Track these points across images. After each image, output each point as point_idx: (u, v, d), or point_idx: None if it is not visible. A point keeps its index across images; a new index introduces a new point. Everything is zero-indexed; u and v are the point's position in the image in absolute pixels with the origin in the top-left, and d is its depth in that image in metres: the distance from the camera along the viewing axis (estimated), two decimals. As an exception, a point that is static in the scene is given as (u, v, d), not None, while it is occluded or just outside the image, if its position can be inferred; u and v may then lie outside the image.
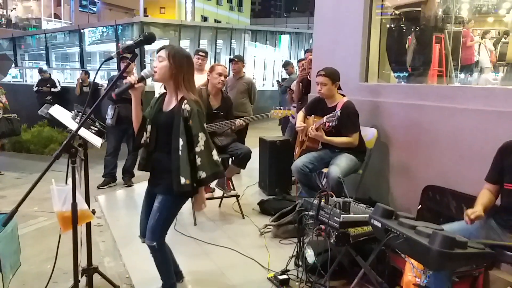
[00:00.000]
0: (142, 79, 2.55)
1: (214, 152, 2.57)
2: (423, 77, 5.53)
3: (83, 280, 2.80)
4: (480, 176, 2.72)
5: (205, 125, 2.55)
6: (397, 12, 5.57)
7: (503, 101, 3.14)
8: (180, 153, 2.48)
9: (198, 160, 2.48)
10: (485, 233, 2.54)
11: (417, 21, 5.85)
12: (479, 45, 7.24)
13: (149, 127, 2.66)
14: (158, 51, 2.57)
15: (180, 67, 2.52)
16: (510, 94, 3.15)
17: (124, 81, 2.57)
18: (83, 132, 2.63)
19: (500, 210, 2.60)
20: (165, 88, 2.70)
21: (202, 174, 2.49)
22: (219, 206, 4.98)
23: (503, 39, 7.58)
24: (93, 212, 2.66)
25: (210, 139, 2.56)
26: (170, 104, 2.61)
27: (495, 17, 8.10)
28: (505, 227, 2.52)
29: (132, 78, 2.52)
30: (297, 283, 3.10)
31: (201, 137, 2.49)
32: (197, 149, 2.48)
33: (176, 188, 2.48)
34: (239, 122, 4.42)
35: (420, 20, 5.86)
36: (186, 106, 2.50)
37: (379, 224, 2.38)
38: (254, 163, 5.12)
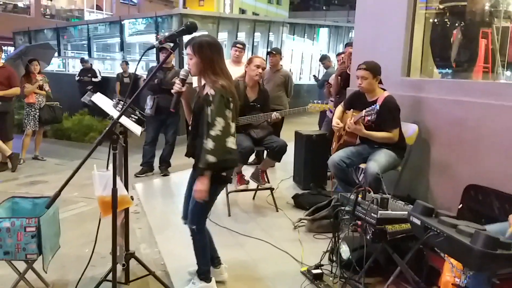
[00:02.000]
0: (183, 82, 2.72)
1: (231, 140, 2.55)
2: (468, 73, 5.36)
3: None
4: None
5: (227, 111, 2.53)
6: (441, 6, 5.40)
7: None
8: (204, 139, 2.55)
9: (210, 144, 2.47)
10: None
11: (463, 16, 5.66)
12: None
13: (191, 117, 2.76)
14: (185, 46, 2.66)
15: (205, 58, 2.59)
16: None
17: (172, 91, 2.76)
18: (124, 120, 2.67)
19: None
20: None
21: (211, 159, 2.47)
22: (253, 198, 4.98)
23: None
24: (132, 198, 2.71)
25: (231, 126, 2.56)
26: (203, 92, 2.68)
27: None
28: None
29: (177, 87, 2.72)
30: (331, 278, 3.07)
31: (219, 122, 2.49)
32: (212, 133, 2.48)
33: (201, 168, 2.52)
34: (275, 115, 4.40)
35: (466, 14, 5.67)
36: (210, 91, 2.55)
37: (418, 222, 2.33)
38: (289, 156, 5.10)
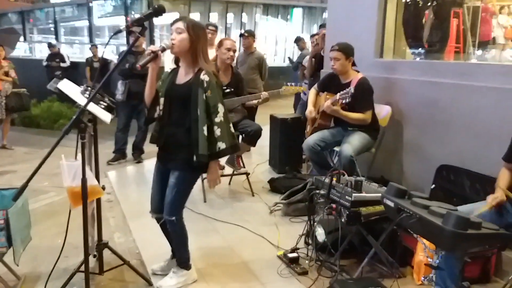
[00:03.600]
0: (163, 50, 2.53)
1: (231, 125, 2.55)
2: (440, 53, 5.40)
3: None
4: (497, 156, 2.65)
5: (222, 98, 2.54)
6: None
7: (523, 79, 3.04)
8: (199, 124, 2.48)
9: (218, 131, 2.46)
10: (499, 214, 2.48)
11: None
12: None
13: (162, 100, 2.65)
14: (173, 23, 2.54)
15: (198, 38, 2.52)
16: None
17: (146, 52, 2.55)
18: (92, 107, 2.58)
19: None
20: (176, 63, 2.68)
21: (222, 145, 2.47)
22: (229, 183, 4.96)
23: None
24: (103, 187, 2.65)
25: (227, 112, 2.56)
26: (186, 76, 2.59)
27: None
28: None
29: (154, 47, 2.50)
30: (306, 261, 3.09)
31: (220, 108, 2.48)
32: (217, 119, 2.47)
33: (196, 158, 2.49)
34: (264, 94, 4.36)
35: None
36: (204, 77, 2.49)
37: (391, 204, 2.34)
38: (264, 140, 5.08)
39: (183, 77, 2.62)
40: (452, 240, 1.98)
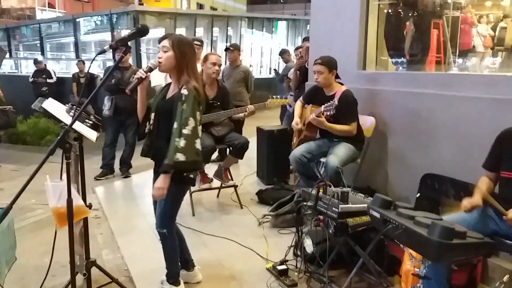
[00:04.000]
0: (150, 70, 2.61)
1: (199, 141, 2.53)
2: (422, 64, 5.49)
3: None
4: (479, 164, 2.70)
5: (198, 114, 2.53)
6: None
7: (503, 89, 3.11)
8: (172, 136, 2.51)
9: (182, 143, 2.46)
10: (482, 221, 2.53)
11: (415, 7, 5.79)
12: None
13: (152, 115, 2.71)
14: (160, 41, 2.62)
15: (184, 55, 2.58)
16: (509, 81, 3.12)
17: (135, 76, 2.64)
18: (78, 126, 2.59)
19: (498, 198, 2.58)
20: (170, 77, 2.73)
21: (181, 157, 2.44)
22: (217, 196, 4.96)
23: (500, 24, 7.53)
24: (89, 206, 2.64)
25: (199, 129, 2.55)
26: (173, 91, 2.66)
27: (493, 1, 8.04)
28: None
29: (140, 73, 2.60)
30: (295, 273, 3.10)
31: (191, 122, 2.49)
32: (184, 131, 2.47)
33: (161, 168, 2.50)
34: (250, 107, 4.38)
35: (418, 5, 5.81)
36: (184, 91, 2.53)
37: (377, 215, 2.37)
38: (252, 152, 5.10)
39: (171, 92, 2.69)
40: (438, 250, 2.01)
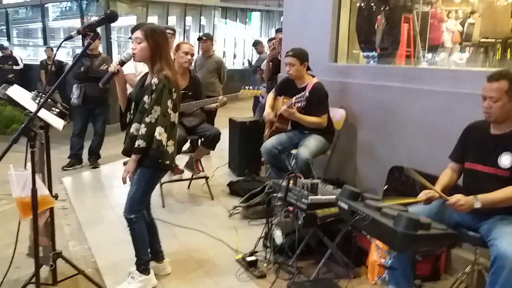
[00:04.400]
0: (122, 63, 2.69)
1: (159, 130, 2.55)
2: (392, 57, 5.57)
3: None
4: (445, 156, 2.76)
5: (169, 101, 2.57)
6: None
7: (469, 83, 3.18)
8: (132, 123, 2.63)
9: (143, 130, 2.53)
10: (446, 213, 2.59)
11: (387, 1, 5.86)
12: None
13: (132, 105, 2.74)
14: (132, 31, 2.66)
15: (158, 45, 2.60)
16: (475, 76, 3.19)
17: (110, 69, 2.69)
18: (44, 113, 2.52)
19: (461, 189, 2.65)
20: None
21: (142, 144, 2.54)
22: (188, 187, 4.93)
23: (469, 20, 7.70)
24: (56, 197, 2.59)
25: (173, 115, 2.61)
26: (148, 81, 2.69)
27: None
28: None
29: (112, 67, 2.66)
30: (265, 264, 3.12)
31: (155, 110, 2.54)
32: (147, 119, 2.54)
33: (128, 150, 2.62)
34: (222, 99, 4.35)
35: (390, -1, 5.88)
36: (154, 80, 2.58)
37: (345, 206, 2.41)
38: (224, 143, 5.09)
39: (147, 81, 2.71)
40: (403, 241, 2.06)
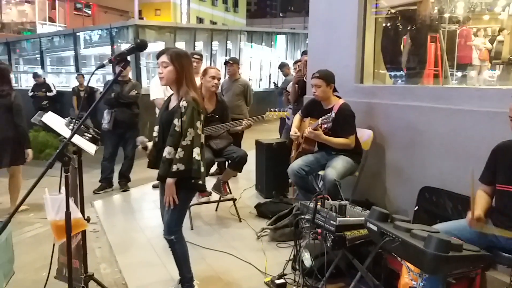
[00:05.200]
0: (145, 148, 2.93)
1: (197, 150, 2.64)
2: (419, 77, 5.53)
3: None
4: (476, 176, 2.71)
5: (198, 123, 2.66)
6: (392, 11, 5.56)
7: (497, 102, 3.13)
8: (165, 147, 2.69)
9: (181, 153, 2.60)
10: (480, 235, 2.53)
11: (413, 21, 5.85)
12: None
13: (156, 128, 2.83)
14: (158, 56, 2.74)
15: (183, 68, 2.70)
16: (503, 95, 3.14)
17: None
18: (77, 139, 2.61)
19: (494, 211, 2.60)
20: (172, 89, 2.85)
21: (181, 167, 2.60)
22: (216, 210, 4.96)
23: (498, 37, 7.58)
24: (88, 220, 2.65)
25: (202, 137, 2.71)
26: (174, 103, 2.78)
27: (490, 14, 8.10)
28: (500, 228, 2.51)
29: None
30: (294, 287, 3.09)
31: (190, 133, 2.61)
32: (183, 143, 2.61)
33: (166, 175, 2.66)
34: (246, 122, 4.41)
35: (416, 19, 5.86)
36: (183, 103, 2.65)
37: (374, 228, 2.38)
38: (251, 165, 5.11)
39: (173, 103, 2.80)
40: (434, 263, 2.02)
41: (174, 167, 2.60)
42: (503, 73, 6.96)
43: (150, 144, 2.95)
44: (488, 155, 2.66)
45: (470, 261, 2.17)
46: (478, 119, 3.25)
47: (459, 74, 6.74)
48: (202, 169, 2.71)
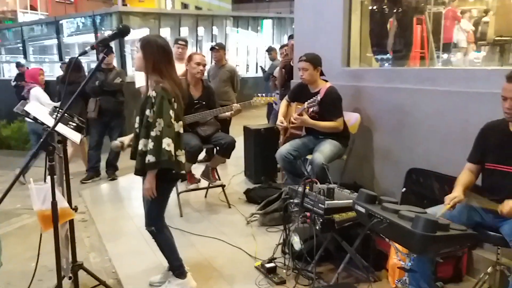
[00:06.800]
0: (122, 147, 2.95)
1: (167, 141, 2.53)
2: (405, 60, 5.54)
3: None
4: (462, 157, 2.73)
5: (170, 111, 2.56)
6: (377, -6, 5.55)
7: (484, 82, 3.15)
8: (139, 139, 2.62)
9: (151, 145, 2.52)
10: (467, 213, 2.56)
11: (399, 3, 5.84)
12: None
13: (137, 118, 2.74)
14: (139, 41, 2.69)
15: (150, 56, 2.62)
16: (490, 75, 3.16)
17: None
18: (61, 128, 2.57)
19: (482, 190, 2.62)
20: None
21: (152, 159, 2.52)
22: (205, 196, 4.96)
23: (483, 19, 7.62)
24: (75, 209, 2.63)
25: (175, 125, 2.60)
26: (147, 92, 2.70)
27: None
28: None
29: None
30: (284, 271, 3.11)
31: (159, 123, 2.53)
32: (153, 133, 2.53)
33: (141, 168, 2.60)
34: (236, 106, 4.37)
35: (402, 1, 5.86)
36: (152, 93, 2.59)
37: (362, 210, 2.40)
38: (239, 151, 5.11)
39: (146, 93, 2.73)
40: (422, 243, 2.04)
41: (146, 159, 2.52)
42: (488, 54, 7.01)
43: (127, 140, 2.90)
44: (474, 136, 2.68)
45: (457, 241, 2.20)
46: (465, 100, 3.26)
47: (445, 56, 6.78)
48: (181, 159, 2.65)
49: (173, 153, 2.55)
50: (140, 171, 2.61)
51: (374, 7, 5.44)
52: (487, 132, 2.61)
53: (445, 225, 2.08)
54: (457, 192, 2.47)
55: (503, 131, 2.50)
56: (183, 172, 2.73)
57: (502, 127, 2.51)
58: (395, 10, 5.84)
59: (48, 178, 2.23)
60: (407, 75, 3.94)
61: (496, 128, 2.56)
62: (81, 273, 2.83)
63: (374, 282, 2.94)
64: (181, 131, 2.69)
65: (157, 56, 2.62)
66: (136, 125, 2.74)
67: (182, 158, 2.69)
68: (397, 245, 2.53)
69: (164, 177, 2.64)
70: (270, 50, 9.46)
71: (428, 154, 3.53)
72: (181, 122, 2.68)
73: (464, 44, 7.35)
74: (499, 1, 7.02)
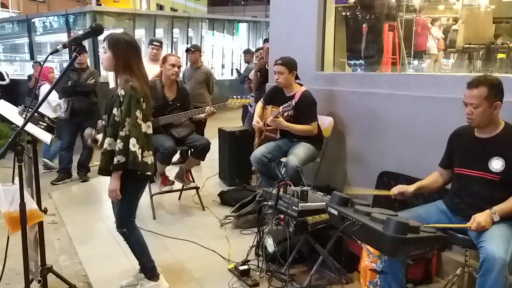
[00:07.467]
0: (95, 141, 2.86)
1: (133, 141, 2.50)
2: (377, 65, 5.63)
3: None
4: (433, 161, 2.80)
5: (138, 111, 2.51)
6: (352, 0, 5.64)
7: (453, 88, 3.23)
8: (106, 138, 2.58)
9: (120, 145, 2.48)
10: (436, 217, 2.63)
11: (371, 9, 5.94)
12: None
13: (105, 116, 2.68)
14: (103, 40, 2.62)
15: (119, 55, 2.57)
16: (459, 81, 3.23)
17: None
18: (31, 128, 2.51)
19: (451, 193, 2.69)
20: None
21: (121, 159, 2.48)
22: (179, 198, 4.92)
23: (453, 27, 7.83)
24: (45, 211, 2.57)
25: (139, 127, 2.53)
26: (116, 91, 2.65)
27: (446, 4, 8.36)
28: (455, 210, 2.61)
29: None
30: (257, 273, 3.12)
31: (128, 122, 2.50)
32: (122, 133, 2.49)
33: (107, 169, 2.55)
34: (209, 109, 4.35)
35: (374, 8, 5.96)
36: (121, 91, 2.54)
37: (335, 212, 2.42)
38: (214, 154, 5.09)
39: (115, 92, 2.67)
40: (393, 245, 2.07)
41: (115, 160, 2.47)
42: (457, 61, 7.20)
43: (100, 136, 2.83)
44: (444, 140, 2.75)
45: (427, 243, 2.24)
46: (435, 105, 3.34)
47: (416, 62, 6.94)
48: (147, 160, 2.60)
49: (138, 154, 2.50)
50: (104, 170, 2.55)
51: (348, 13, 5.53)
52: (456, 137, 2.69)
53: (416, 227, 2.12)
54: (410, 188, 2.62)
55: (470, 136, 2.58)
56: (149, 173, 2.65)
57: (470, 132, 2.59)
58: (367, 17, 5.94)
59: (17, 179, 2.18)
60: (380, 80, 4.01)
61: (464, 133, 2.64)
62: (50, 276, 2.77)
63: (346, 284, 2.98)
64: (149, 131, 2.63)
65: (127, 54, 2.58)
66: (104, 123, 2.70)
67: (149, 159, 2.63)
68: (368, 247, 2.56)
69: (131, 176, 2.57)
70: (246, 52, 9.46)
71: (399, 158, 3.60)
72: (149, 123, 2.63)
73: (435, 51, 7.54)
74: (468, 10, 7.23)
